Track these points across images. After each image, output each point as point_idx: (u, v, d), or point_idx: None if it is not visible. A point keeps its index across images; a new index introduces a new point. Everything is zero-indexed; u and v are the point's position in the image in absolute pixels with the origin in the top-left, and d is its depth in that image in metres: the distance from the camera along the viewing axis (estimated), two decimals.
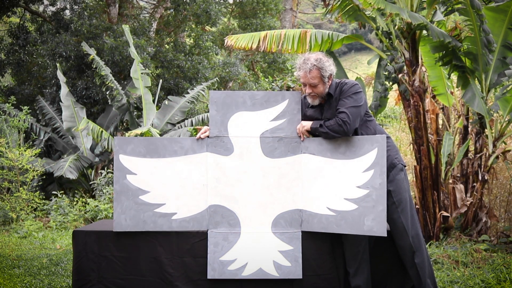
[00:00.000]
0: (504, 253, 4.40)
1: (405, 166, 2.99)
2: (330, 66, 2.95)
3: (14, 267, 4.20)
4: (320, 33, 5.40)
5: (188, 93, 10.63)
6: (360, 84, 6.01)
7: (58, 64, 10.31)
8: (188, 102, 10.31)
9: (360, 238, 2.91)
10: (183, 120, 10.45)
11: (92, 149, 9.76)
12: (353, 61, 36.64)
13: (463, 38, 5.10)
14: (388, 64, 5.42)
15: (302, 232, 3.03)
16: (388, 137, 2.98)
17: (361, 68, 30.98)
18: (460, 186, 5.07)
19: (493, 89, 5.30)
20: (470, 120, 5.34)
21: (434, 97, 5.73)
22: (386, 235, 2.77)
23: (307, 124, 3.00)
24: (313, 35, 5.39)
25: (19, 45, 12.24)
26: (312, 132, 3.01)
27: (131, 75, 9.52)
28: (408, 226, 2.87)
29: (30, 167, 7.59)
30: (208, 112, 11.44)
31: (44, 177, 8.64)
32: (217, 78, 12.04)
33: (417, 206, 5.06)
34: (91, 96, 10.86)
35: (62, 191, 8.26)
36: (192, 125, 9.88)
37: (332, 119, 2.91)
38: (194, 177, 3.05)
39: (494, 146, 5.07)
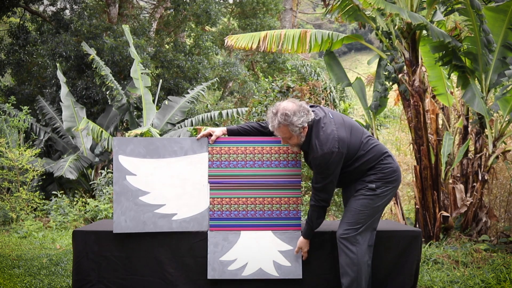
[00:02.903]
0: (504, 253, 4.40)
1: (381, 187, 2.81)
2: (300, 120, 2.68)
3: (14, 267, 4.20)
4: (320, 33, 5.41)
5: (188, 93, 10.64)
6: (360, 84, 6.00)
7: (58, 64, 10.31)
8: (188, 102, 10.32)
9: None
10: (183, 120, 10.46)
11: (92, 149, 9.77)
12: (353, 61, 36.65)
13: (463, 38, 5.11)
14: (388, 64, 5.43)
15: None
16: (385, 157, 2.83)
17: (361, 68, 30.98)
18: (460, 186, 5.07)
19: (493, 89, 5.30)
20: (470, 120, 5.34)
21: (434, 97, 5.73)
22: None
23: (306, 245, 2.93)
24: (313, 35, 5.39)
25: (19, 45, 12.24)
26: (311, 235, 2.95)
27: (131, 75, 9.53)
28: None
29: (30, 167, 7.59)
30: (208, 112, 11.46)
31: (44, 177, 8.64)
32: (217, 78, 12.04)
33: (417, 206, 5.06)
34: (91, 96, 10.86)
35: (62, 191, 8.26)
36: (192, 125, 9.88)
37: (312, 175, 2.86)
38: (194, 177, 3.05)
39: (494, 146, 5.07)
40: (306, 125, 2.73)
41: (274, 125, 2.75)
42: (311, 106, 2.86)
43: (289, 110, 2.69)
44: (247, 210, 3.02)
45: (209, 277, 2.95)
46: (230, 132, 3.09)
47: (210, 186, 3.03)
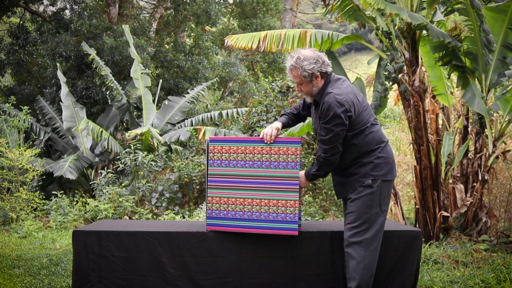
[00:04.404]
0: (504, 253, 4.40)
1: (378, 181, 2.75)
2: (310, 65, 2.75)
3: (14, 267, 4.20)
4: (320, 33, 5.41)
5: (188, 93, 10.65)
6: (360, 84, 6.00)
7: (58, 64, 10.32)
8: (188, 102, 10.32)
9: None
10: (183, 120, 10.46)
11: (92, 149, 9.77)
12: (353, 61, 36.68)
13: (463, 38, 5.10)
14: (388, 64, 5.42)
15: (302, 232, 3.04)
16: (383, 146, 2.78)
17: (361, 68, 31.00)
18: (460, 186, 5.06)
19: (493, 89, 5.30)
20: (470, 120, 5.34)
21: (434, 97, 5.72)
22: None
23: (303, 181, 2.96)
24: (313, 35, 5.39)
25: (19, 45, 12.24)
26: (310, 178, 2.96)
27: (131, 75, 9.54)
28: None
29: (30, 167, 7.58)
30: (208, 112, 11.46)
31: (44, 177, 8.64)
32: (217, 78, 12.05)
33: (417, 206, 5.06)
34: (91, 96, 10.87)
35: (62, 191, 8.26)
36: (192, 125, 9.88)
37: (317, 130, 2.86)
38: None
39: (494, 146, 5.07)
40: (318, 73, 2.78)
41: (288, 67, 2.84)
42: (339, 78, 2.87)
43: (302, 55, 2.78)
44: (244, 211, 3.01)
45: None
46: (283, 127, 3.05)
47: (209, 185, 3.03)
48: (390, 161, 2.80)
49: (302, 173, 2.97)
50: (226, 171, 3.02)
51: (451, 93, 5.83)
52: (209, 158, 3.04)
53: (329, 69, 2.81)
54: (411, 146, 5.28)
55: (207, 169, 3.05)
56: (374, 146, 2.76)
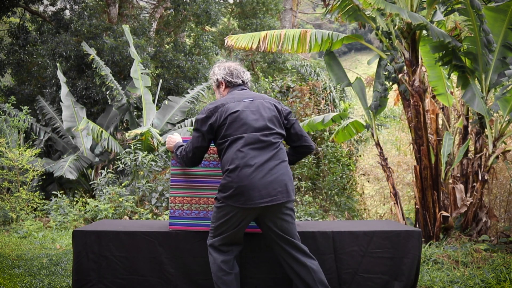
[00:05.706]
0: (504, 253, 4.40)
1: (220, 200, 2.63)
2: (213, 75, 2.88)
3: (14, 267, 4.20)
4: (320, 33, 5.41)
5: (188, 93, 10.64)
6: (360, 84, 6.01)
7: (58, 64, 10.32)
8: (188, 102, 10.32)
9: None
10: (183, 120, 10.46)
11: (92, 149, 9.77)
12: (353, 61, 36.69)
13: (463, 38, 5.10)
14: (388, 64, 5.42)
15: (303, 232, 3.04)
16: (233, 168, 2.55)
17: (361, 68, 31.01)
18: (460, 186, 5.07)
19: (493, 89, 5.30)
20: (470, 120, 5.34)
21: (434, 97, 5.73)
22: None
23: (172, 145, 2.94)
24: (313, 35, 5.39)
25: (19, 45, 12.25)
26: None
27: (131, 75, 9.54)
28: None
29: (30, 167, 7.59)
30: None
31: (44, 177, 8.64)
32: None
33: (417, 206, 5.06)
34: (91, 96, 10.86)
35: (62, 191, 8.26)
36: (192, 125, 9.88)
37: None
38: None
39: (494, 146, 5.07)
40: (216, 84, 2.88)
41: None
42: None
43: (215, 66, 2.91)
44: (207, 210, 3.02)
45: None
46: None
47: (172, 185, 3.04)
48: (235, 185, 2.54)
49: (178, 138, 2.97)
50: (189, 171, 3.01)
51: (451, 93, 5.84)
52: (171, 158, 3.04)
53: (238, 82, 2.84)
54: (411, 146, 5.28)
55: (170, 169, 3.05)
56: (228, 166, 2.58)
